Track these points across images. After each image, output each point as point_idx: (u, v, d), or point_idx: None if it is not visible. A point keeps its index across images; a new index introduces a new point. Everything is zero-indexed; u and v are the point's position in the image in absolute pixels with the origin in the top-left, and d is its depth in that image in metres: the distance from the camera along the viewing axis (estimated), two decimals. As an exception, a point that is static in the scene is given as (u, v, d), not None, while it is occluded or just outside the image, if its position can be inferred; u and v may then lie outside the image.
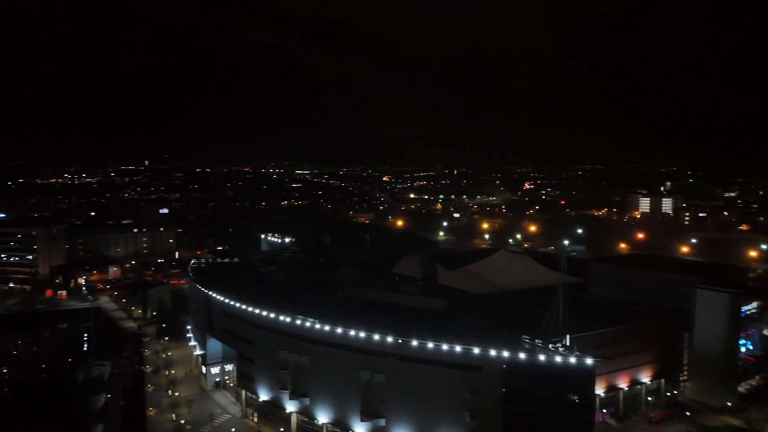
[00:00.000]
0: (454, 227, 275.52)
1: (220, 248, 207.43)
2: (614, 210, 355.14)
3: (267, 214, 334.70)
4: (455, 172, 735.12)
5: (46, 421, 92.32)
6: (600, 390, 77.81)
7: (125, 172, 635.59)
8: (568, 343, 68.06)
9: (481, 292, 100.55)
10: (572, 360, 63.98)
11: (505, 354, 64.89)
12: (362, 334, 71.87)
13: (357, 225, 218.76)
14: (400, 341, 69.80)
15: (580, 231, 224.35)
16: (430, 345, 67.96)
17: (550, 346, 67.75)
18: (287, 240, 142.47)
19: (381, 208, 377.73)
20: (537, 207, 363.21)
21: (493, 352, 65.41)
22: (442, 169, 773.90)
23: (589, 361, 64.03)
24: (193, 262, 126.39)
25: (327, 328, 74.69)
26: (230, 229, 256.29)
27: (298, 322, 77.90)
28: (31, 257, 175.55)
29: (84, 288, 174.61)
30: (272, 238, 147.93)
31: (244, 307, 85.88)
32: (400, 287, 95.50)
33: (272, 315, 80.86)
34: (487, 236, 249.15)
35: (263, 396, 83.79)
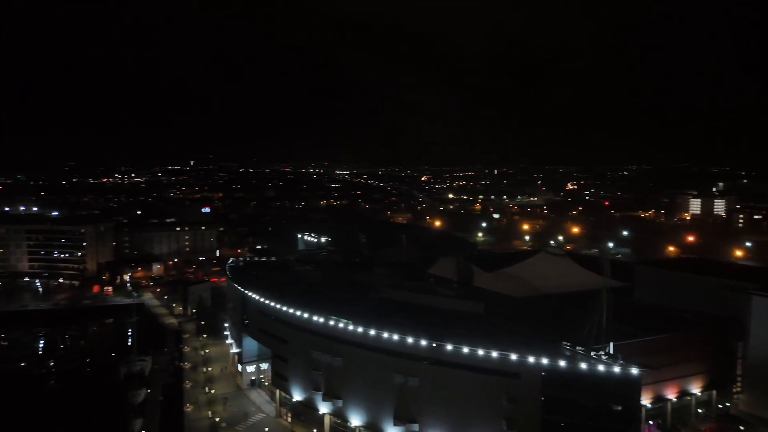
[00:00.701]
0: (493, 228, 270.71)
1: (260, 247, 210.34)
2: (662, 211, 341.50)
3: (305, 213, 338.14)
4: (495, 172, 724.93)
5: (89, 414, 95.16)
6: (646, 401, 73.96)
7: (172, 172, 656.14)
8: (611, 351, 64.81)
9: (520, 296, 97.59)
10: (616, 369, 60.75)
11: (545, 361, 62.23)
12: (395, 337, 70.52)
13: (394, 225, 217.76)
14: (434, 345, 68.08)
15: (625, 233, 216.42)
16: (466, 350, 65.96)
17: (592, 353, 64.66)
18: (323, 239, 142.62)
19: (419, 208, 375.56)
20: (580, 208, 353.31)
21: (531, 359, 62.86)
22: (482, 169, 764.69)
23: (634, 370, 60.67)
24: (231, 260, 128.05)
25: (360, 329, 73.72)
26: (270, 228, 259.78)
27: (331, 322, 77.25)
28: (79, 254, 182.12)
29: (129, 284, 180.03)
30: (309, 238, 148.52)
31: (278, 306, 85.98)
32: (435, 289, 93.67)
33: (306, 315, 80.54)
34: (527, 238, 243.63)
35: (297, 396, 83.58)
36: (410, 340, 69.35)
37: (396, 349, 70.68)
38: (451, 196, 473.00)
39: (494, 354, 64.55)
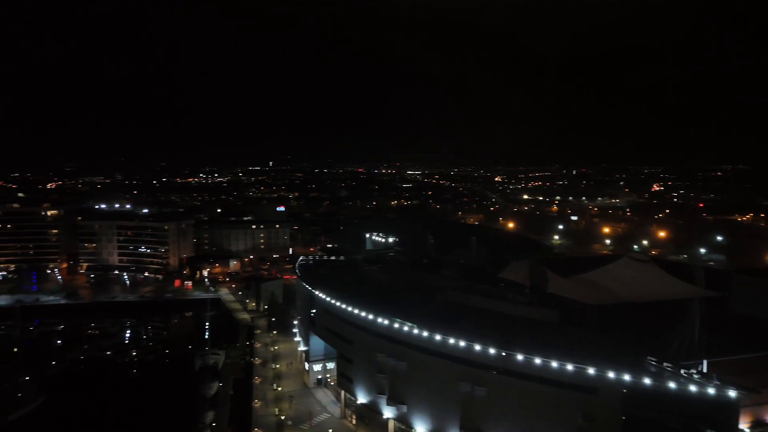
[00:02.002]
0: (571, 231, 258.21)
1: (330, 246, 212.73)
2: (762, 215, 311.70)
3: (376, 213, 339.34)
4: (574, 172, 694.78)
5: (165, 404, 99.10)
6: (744, 426, 66.04)
7: (251, 173, 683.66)
8: (704, 369, 58.25)
9: (599, 304, 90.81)
10: (710, 390, 54.33)
11: (627, 377, 56.81)
12: (462, 343, 67.32)
13: (465, 226, 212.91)
14: (503, 354, 64.26)
15: (719, 238, 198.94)
16: (538, 360, 61.65)
17: (682, 371, 58.43)
18: (392, 239, 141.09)
19: (491, 209, 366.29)
20: (667, 210, 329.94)
21: (611, 374, 57.62)
22: (559, 169, 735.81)
23: (731, 392, 53.98)
24: (300, 258, 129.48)
25: (425, 333, 71.14)
26: (341, 227, 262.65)
27: (396, 325, 75.22)
28: (163, 249, 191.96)
29: (207, 279, 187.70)
30: (377, 237, 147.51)
31: (343, 306, 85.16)
32: (506, 294, 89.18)
33: (370, 316, 79.08)
34: (608, 241, 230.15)
35: (361, 398, 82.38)
36: (478, 347, 65.94)
37: (463, 356, 67.52)
38: (525, 197, 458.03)
39: (569, 367, 59.84)
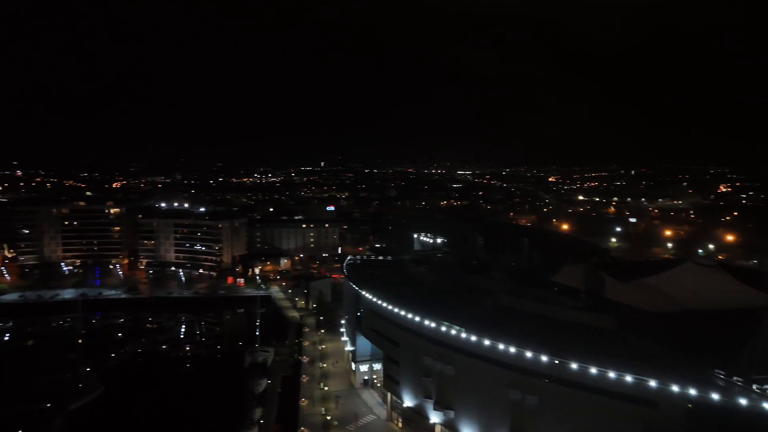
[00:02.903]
0: (629, 233, 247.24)
1: (379, 245, 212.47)
2: None
3: (425, 213, 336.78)
4: (632, 172, 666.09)
5: (215, 399, 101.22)
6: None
7: (304, 173, 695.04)
8: (779, 386, 53.44)
9: (660, 311, 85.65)
10: (787, 409, 49.73)
11: (692, 391, 52.89)
12: (513, 349, 64.83)
13: (516, 227, 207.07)
14: (556, 362, 61.35)
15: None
16: (594, 370, 58.46)
17: (754, 386, 53.87)
18: (440, 240, 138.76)
19: (544, 210, 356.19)
20: (735, 213, 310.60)
21: (675, 387, 53.83)
22: (617, 168, 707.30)
23: (811, 413, 49.22)
24: (348, 258, 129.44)
25: (474, 338, 69.04)
26: (390, 227, 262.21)
27: (443, 328, 73.44)
28: (217, 247, 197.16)
29: (258, 277, 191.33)
30: (425, 238, 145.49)
31: (390, 307, 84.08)
32: (559, 299, 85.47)
33: (417, 318, 77.63)
34: (669, 245, 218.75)
35: (407, 402, 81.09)
36: (530, 354, 63.28)
37: (513, 363, 65.03)
38: (581, 197, 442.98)
39: (629, 378, 56.38)
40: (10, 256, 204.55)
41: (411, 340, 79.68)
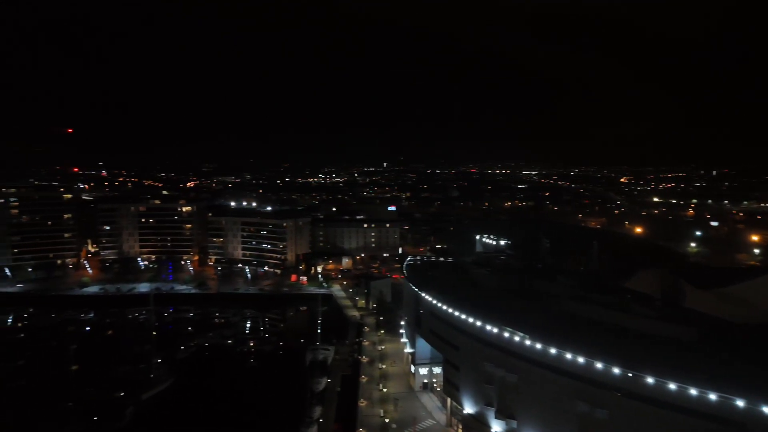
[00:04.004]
0: (710, 238, 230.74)
1: (440, 246, 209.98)
2: None
3: (488, 214, 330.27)
4: (713, 172, 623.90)
5: (277, 395, 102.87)
6: None
7: (366, 173, 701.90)
8: None
9: (746, 322, 78.52)
10: None
11: (786, 414, 47.63)
12: (582, 359, 61.14)
13: (584, 230, 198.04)
14: (630, 375, 57.22)
15: None
16: (672, 385, 53.99)
17: None
18: (503, 242, 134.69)
19: (616, 212, 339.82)
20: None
21: (766, 408, 48.71)
22: (696, 169, 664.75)
23: None
24: (409, 258, 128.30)
25: (539, 345, 65.81)
26: (451, 228, 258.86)
27: (506, 334, 70.58)
28: (281, 245, 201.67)
29: (320, 275, 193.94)
30: (488, 239, 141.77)
31: (450, 310, 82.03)
32: (632, 307, 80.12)
33: (479, 323, 75.14)
34: (756, 251, 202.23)
35: (468, 408, 78.75)
36: (600, 365, 59.43)
37: (581, 374, 61.32)
38: (656, 199, 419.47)
39: (712, 396, 51.63)
40: (93, 250, 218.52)
41: (472, 345, 77.31)
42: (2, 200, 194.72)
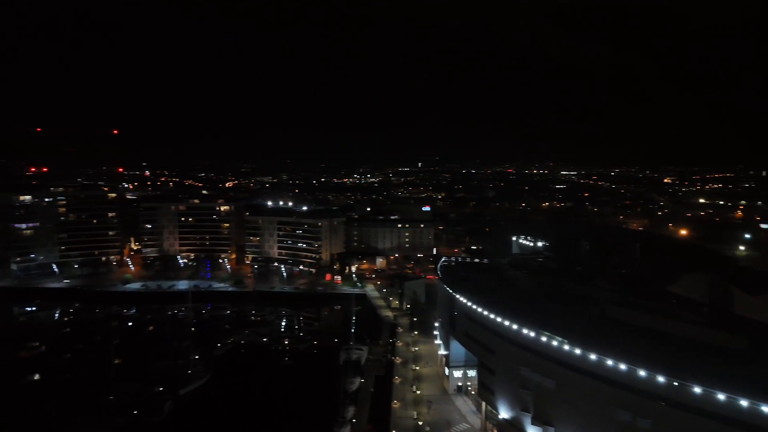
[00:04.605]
0: (761, 241, 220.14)
1: (475, 247, 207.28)
2: None
3: (524, 215, 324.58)
4: (763, 173, 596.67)
5: (310, 394, 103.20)
6: None
7: (401, 173, 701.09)
8: None
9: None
10: None
11: None
12: (624, 366, 58.78)
13: (626, 232, 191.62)
14: (675, 384, 54.66)
15: None
16: (721, 396, 51.30)
17: None
18: (541, 244, 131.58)
19: (659, 213, 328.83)
20: None
21: (824, 424, 45.68)
22: (745, 169, 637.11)
23: None
24: (443, 259, 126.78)
25: (578, 351, 63.66)
26: (486, 229, 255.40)
27: (544, 338, 68.64)
28: (316, 245, 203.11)
29: (354, 275, 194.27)
30: (524, 241, 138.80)
31: (486, 312, 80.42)
32: (677, 312, 76.83)
33: (515, 326, 73.37)
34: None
35: (503, 413, 77.03)
36: (643, 373, 57.00)
37: (623, 381, 58.96)
38: (701, 200, 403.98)
39: (765, 408, 48.77)
40: (135, 248, 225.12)
41: (508, 349, 75.57)
42: (51, 199, 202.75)
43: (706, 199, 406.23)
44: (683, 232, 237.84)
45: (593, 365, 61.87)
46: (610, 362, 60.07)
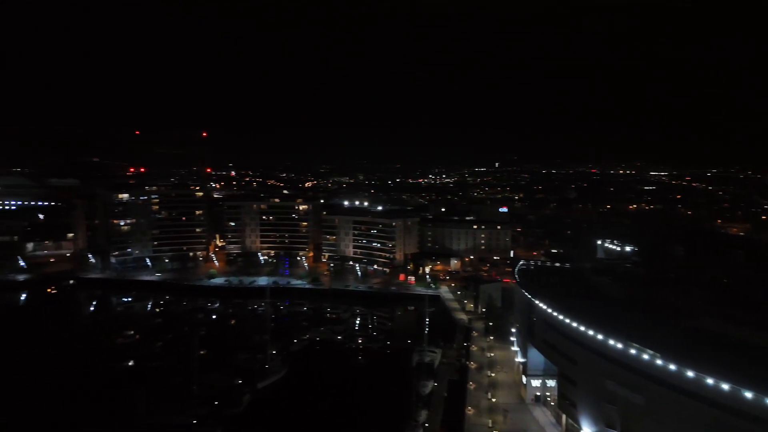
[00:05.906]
0: None
1: (555, 251, 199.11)
2: None
3: (609, 218, 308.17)
4: None
5: (382, 395, 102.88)
6: None
7: (477, 174, 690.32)
8: None
9: None
10: None
11: None
12: (726, 386, 53.39)
13: (724, 237, 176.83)
14: (786, 408, 48.86)
15: None
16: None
17: None
18: (628, 249, 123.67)
19: (763, 217, 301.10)
20: None
21: None
22: None
23: None
24: (521, 263, 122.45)
25: (672, 366, 58.62)
26: (567, 232, 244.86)
27: (633, 351, 63.89)
28: (391, 245, 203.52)
29: (428, 276, 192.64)
30: (610, 246, 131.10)
31: (567, 320, 76.32)
32: (788, 328, 69.10)
33: (600, 336, 68.94)
34: None
35: (586, 428, 72.71)
36: (749, 394, 51.46)
37: (724, 402, 53.60)
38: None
39: None
40: (220, 245, 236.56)
41: (592, 360, 71.20)
42: (145, 197, 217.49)
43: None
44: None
45: (690, 383, 56.71)
46: (710, 380, 54.78)
